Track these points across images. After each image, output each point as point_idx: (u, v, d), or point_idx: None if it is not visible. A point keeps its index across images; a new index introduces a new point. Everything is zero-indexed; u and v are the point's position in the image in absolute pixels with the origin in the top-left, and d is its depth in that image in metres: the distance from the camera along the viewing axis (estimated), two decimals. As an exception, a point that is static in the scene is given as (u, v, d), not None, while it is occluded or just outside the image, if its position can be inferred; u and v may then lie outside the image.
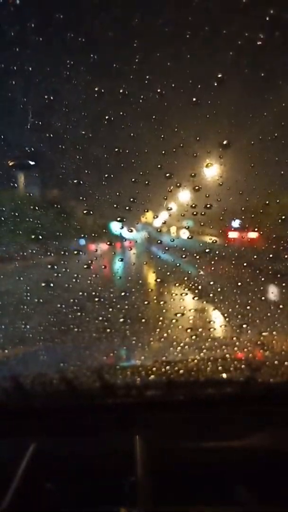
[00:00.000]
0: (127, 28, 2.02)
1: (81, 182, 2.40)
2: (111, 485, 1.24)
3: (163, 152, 2.21)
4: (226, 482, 1.27)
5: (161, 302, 2.44)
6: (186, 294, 2.40)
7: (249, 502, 1.20)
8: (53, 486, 1.29)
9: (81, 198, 2.56)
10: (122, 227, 2.47)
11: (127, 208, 2.27)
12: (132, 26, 1.97)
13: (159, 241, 2.77)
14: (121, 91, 2.04)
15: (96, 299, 2.28)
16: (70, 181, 2.55)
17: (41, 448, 1.34)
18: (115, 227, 2.50)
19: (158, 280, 2.50)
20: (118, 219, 2.38)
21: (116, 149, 2.22)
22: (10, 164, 2.78)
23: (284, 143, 2.30)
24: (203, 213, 2.28)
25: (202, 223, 2.62)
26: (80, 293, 2.32)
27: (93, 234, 2.70)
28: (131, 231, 2.86)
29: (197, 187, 2.22)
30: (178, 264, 2.62)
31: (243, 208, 2.43)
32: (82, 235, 2.82)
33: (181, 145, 2.20)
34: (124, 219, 2.36)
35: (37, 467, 1.29)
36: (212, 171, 2.30)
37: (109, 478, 1.29)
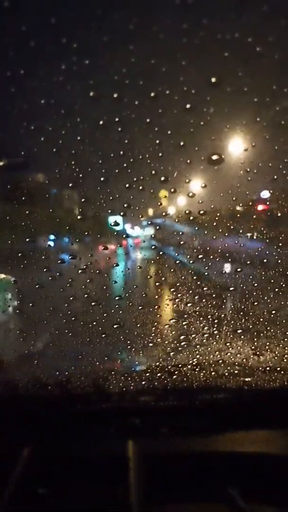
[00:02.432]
0: (123, 33, 2.02)
1: (76, 186, 2.40)
2: (104, 490, 1.25)
3: (158, 156, 2.21)
4: (220, 486, 1.28)
5: (156, 307, 2.45)
6: (181, 299, 2.41)
7: (242, 506, 1.21)
8: (46, 490, 1.29)
9: (75, 200, 2.56)
10: (123, 228, 2.46)
11: (121, 213, 2.28)
12: (127, 31, 1.97)
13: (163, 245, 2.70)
14: (115, 95, 2.04)
15: (91, 304, 2.28)
16: (64, 183, 2.55)
17: (34, 453, 1.34)
18: (115, 227, 2.49)
19: (153, 284, 2.50)
20: (116, 220, 2.38)
21: (112, 154, 2.22)
22: (2, 164, 2.77)
23: (278, 148, 2.31)
24: (196, 217, 2.29)
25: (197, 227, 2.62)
26: (74, 298, 2.32)
27: (90, 235, 2.68)
28: (126, 238, 2.83)
29: (190, 193, 2.22)
30: (178, 263, 2.61)
31: (238, 215, 2.44)
32: (77, 238, 2.80)
33: (177, 150, 2.20)
34: (125, 217, 2.35)
35: (31, 471, 1.29)
36: (207, 176, 2.31)
37: (102, 482, 1.29)
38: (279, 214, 2.50)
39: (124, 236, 2.93)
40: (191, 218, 2.33)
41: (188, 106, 2.03)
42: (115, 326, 2.13)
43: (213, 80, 2.01)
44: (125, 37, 2.00)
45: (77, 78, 2.04)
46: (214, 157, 2.11)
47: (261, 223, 2.58)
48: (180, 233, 2.61)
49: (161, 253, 2.70)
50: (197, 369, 1.63)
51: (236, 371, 1.62)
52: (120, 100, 2.04)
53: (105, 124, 2.12)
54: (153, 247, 2.76)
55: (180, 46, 2.01)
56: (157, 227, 2.91)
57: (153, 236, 2.82)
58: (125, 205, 2.23)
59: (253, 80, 2.23)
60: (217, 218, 2.46)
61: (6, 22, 1.97)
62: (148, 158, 2.22)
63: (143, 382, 1.59)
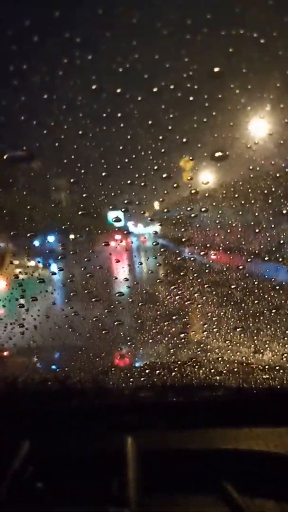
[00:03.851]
0: (125, 28, 2.01)
1: (77, 181, 2.40)
2: (101, 485, 1.25)
3: (161, 152, 2.20)
4: (216, 482, 1.28)
5: (157, 304, 2.45)
6: (181, 296, 2.41)
7: (236, 499, 1.21)
8: (44, 485, 1.29)
9: (76, 195, 2.56)
10: (125, 224, 2.45)
11: (122, 210, 2.27)
12: (130, 26, 1.96)
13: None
14: (118, 90, 2.03)
15: (91, 300, 2.28)
16: (66, 178, 2.55)
17: (32, 448, 1.35)
18: (117, 223, 2.48)
19: (154, 280, 2.50)
20: (117, 216, 2.37)
21: (114, 150, 2.21)
22: (7, 156, 2.75)
23: (282, 143, 2.30)
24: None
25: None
26: (74, 293, 2.32)
27: (90, 231, 2.68)
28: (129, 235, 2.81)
29: (193, 190, 2.21)
30: (179, 260, 2.59)
31: (240, 213, 2.43)
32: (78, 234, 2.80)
33: (180, 146, 2.19)
34: (127, 213, 2.34)
35: (28, 466, 1.30)
36: (209, 174, 2.30)
37: (99, 478, 1.30)
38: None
39: (125, 232, 2.92)
40: (193, 215, 2.33)
41: (191, 102, 2.02)
42: (115, 322, 2.13)
43: (218, 77, 2.00)
44: (128, 32, 1.99)
45: (80, 73, 2.03)
46: (217, 154, 2.10)
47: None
48: (182, 229, 2.60)
49: (162, 249, 2.69)
50: (196, 366, 1.63)
51: (235, 369, 1.62)
52: (123, 95, 2.03)
53: (107, 119, 2.12)
54: (155, 243, 2.76)
55: (184, 42, 2.00)
56: (160, 224, 2.90)
57: (156, 232, 2.82)
58: (126, 201, 2.23)
59: (257, 76, 2.21)
60: (219, 216, 2.45)
61: (9, 17, 1.96)
62: (150, 154, 2.21)
63: (142, 379, 1.59)
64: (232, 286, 2.36)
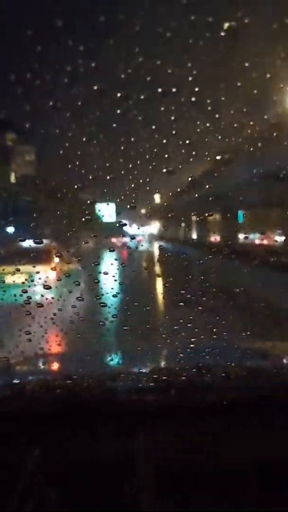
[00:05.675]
0: (127, 35, 2.02)
1: (81, 187, 2.41)
2: (112, 491, 1.26)
3: (164, 155, 2.21)
4: (227, 488, 1.28)
5: (163, 309, 2.45)
6: (187, 302, 2.41)
7: (243, 502, 1.21)
8: (55, 492, 1.30)
9: (80, 201, 2.58)
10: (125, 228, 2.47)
11: (125, 213, 2.28)
12: (132, 32, 1.97)
13: None
14: (120, 96, 2.04)
15: (98, 305, 2.29)
16: (70, 184, 2.57)
17: (42, 455, 1.35)
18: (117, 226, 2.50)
19: (159, 285, 2.50)
20: (120, 221, 2.38)
21: (117, 154, 2.23)
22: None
23: (286, 144, 2.30)
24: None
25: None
26: (81, 299, 2.33)
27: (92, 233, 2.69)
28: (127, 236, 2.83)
29: (196, 194, 2.23)
30: (182, 263, 2.60)
31: (244, 214, 2.44)
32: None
33: (182, 150, 2.21)
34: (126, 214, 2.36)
35: (39, 473, 1.30)
36: (212, 177, 2.31)
37: (110, 483, 1.30)
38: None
39: (131, 237, 2.94)
40: (198, 218, 2.33)
41: (193, 106, 2.04)
42: (122, 328, 2.14)
43: (219, 80, 2.01)
44: (130, 39, 2.01)
45: (83, 80, 2.05)
46: (220, 157, 2.11)
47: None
48: (183, 232, 2.61)
49: (167, 254, 2.70)
50: (203, 371, 1.63)
51: (243, 373, 1.62)
52: (126, 101, 2.05)
53: (111, 125, 2.14)
54: (159, 246, 2.77)
55: (185, 47, 2.01)
56: (162, 226, 2.91)
57: (155, 234, 2.83)
58: (129, 205, 2.24)
59: (259, 78, 2.22)
60: (222, 218, 2.46)
61: (12, 26, 1.99)
62: (154, 158, 2.22)
63: (150, 383, 1.59)
64: (236, 290, 2.36)
